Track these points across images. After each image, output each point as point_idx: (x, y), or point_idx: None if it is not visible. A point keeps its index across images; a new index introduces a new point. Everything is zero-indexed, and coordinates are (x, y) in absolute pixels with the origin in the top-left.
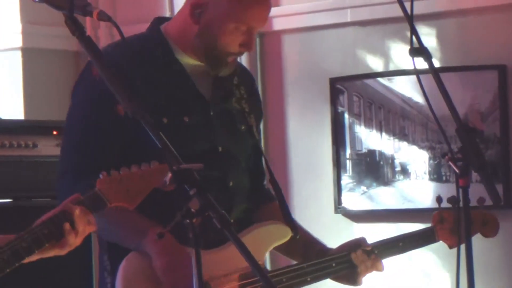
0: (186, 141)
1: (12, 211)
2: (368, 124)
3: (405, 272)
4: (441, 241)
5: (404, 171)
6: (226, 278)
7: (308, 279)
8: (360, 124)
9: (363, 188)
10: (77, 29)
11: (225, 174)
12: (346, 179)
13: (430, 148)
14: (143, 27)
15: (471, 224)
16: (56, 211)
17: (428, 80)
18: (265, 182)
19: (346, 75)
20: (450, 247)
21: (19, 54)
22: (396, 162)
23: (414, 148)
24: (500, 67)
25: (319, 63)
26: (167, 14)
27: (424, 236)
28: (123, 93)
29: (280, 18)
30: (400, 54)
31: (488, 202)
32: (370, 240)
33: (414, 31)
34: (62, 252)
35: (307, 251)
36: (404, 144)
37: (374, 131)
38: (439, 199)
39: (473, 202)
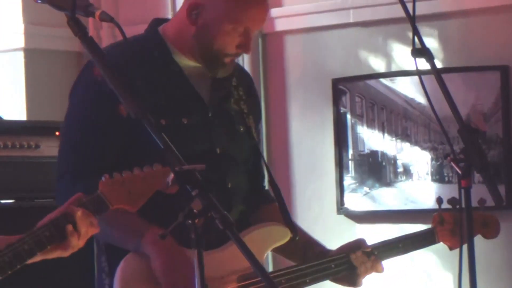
0: (184, 143)
1: (14, 211)
2: (370, 124)
3: (407, 273)
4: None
5: (407, 172)
6: (224, 279)
7: (307, 281)
8: (362, 125)
9: (366, 188)
10: (79, 30)
11: (223, 176)
12: (349, 180)
13: (432, 149)
14: (145, 28)
15: (471, 226)
16: (58, 213)
17: (431, 81)
18: (264, 184)
19: (348, 75)
20: (451, 248)
21: (21, 54)
22: (399, 163)
23: (417, 149)
24: (503, 67)
25: (321, 63)
26: (170, 15)
27: (424, 237)
28: (126, 93)
29: (283, 18)
30: (402, 55)
31: (490, 203)
32: (373, 240)
33: (416, 32)
34: (65, 254)
35: (306, 253)
36: (406, 145)
37: (377, 131)
38: (439, 200)
39: (474, 203)
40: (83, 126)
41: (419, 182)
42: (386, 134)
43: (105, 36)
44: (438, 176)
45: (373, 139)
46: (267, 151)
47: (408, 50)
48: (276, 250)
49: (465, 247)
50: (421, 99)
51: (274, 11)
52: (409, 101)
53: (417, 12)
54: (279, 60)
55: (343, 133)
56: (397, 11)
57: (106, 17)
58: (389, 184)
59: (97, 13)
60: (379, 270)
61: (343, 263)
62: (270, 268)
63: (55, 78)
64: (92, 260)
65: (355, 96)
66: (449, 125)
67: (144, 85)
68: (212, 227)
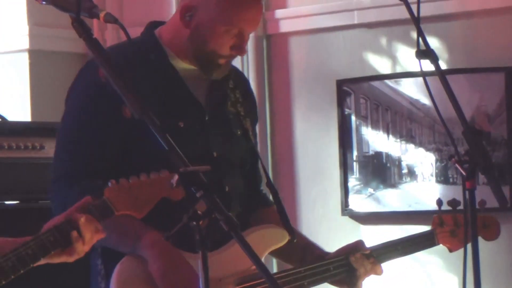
0: (181, 146)
1: (19, 213)
2: (375, 126)
3: (410, 275)
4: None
5: (411, 173)
6: (222, 281)
7: (305, 283)
8: (367, 126)
9: (370, 190)
10: (84, 31)
11: (221, 179)
12: (353, 181)
13: (437, 150)
14: None
15: (475, 227)
16: (63, 218)
17: (435, 82)
18: (261, 187)
19: (353, 77)
20: (450, 250)
21: (26, 56)
22: (403, 164)
23: (421, 150)
24: (507, 69)
25: (326, 65)
26: None
27: (424, 239)
28: (130, 95)
29: (287, 20)
30: (407, 56)
31: (494, 204)
32: (377, 242)
33: (421, 33)
34: (70, 259)
35: (305, 256)
36: (411, 146)
37: (381, 133)
38: (439, 202)
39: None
40: (83, 127)
41: (424, 184)
42: (390, 136)
43: (110, 38)
44: (443, 177)
45: (378, 140)
46: (271, 153)
47: (412, 51)
48: (274, 254)
49: (468, 248)
50: (425, 100)
51: (279, 13)
52: (414, 103)
53: (422, 14)
54: (284, 62)
55: (347, 134)
56: (402, 13)
57: (111, 19)
58: (393, 185)
59: (102, 14)
60: (378, 272)
61: (342, 266)
62: (275, 269)
63: (59, 79)
64: (87, 263)
65: (359, 98)
66: (453, 127)
67: (141, 88)
68: (211, 229)
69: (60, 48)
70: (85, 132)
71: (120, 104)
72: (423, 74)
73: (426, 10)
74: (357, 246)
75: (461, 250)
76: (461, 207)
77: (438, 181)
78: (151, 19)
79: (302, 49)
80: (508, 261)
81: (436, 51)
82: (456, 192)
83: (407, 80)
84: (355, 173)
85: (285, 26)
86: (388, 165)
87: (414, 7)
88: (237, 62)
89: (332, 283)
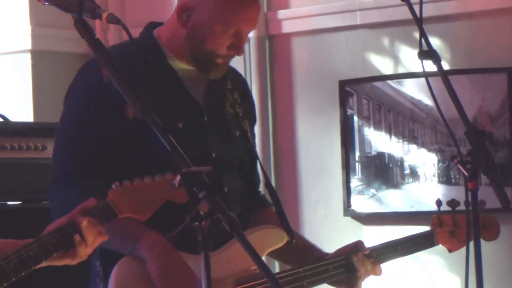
0: (180, 147)
1: (21, 213)
2: (377, 126)
3: (412, 276)
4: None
5: (413, 174)
6: (221, 282)
7: (305, 284)
8: (369, 127)
9: (372, 190)
10: (86, 31)
11: (220, 180)
12: (355, 182)
13: (439, 151)
14: None
15: (478, 228)
16: (65, 220)
17: (437, 82)
18: (259, 188)
19: (355, 77)
20: (450, 250)
21: (28, 56)
22: (405, 164)
23: (423, 150)
24: (510, 69)
25: (328, 65)
26: None
27: (423, 239)
28: (133, 95)
29: (290, 20)
30: (409, 57)
31: (497, 205)
32: (378, 242)
33: (423, 34)
34: (73, 262)
35: (303, 257)
36: (413, 146)
37: (383, 133)
38: (438, 202)
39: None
40: (83, 127)
41: (426, 184)
42: (393, 136)
43: (112, 38)
44: (445, 178)
45: (380, 141)
46: (273, 153)
47: (415, 52)
48: (273, 255)
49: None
50: (428, 101)
51: (281, 13)
52: (416, 103)
53: (424, 14)
54: (286, 62)
55: (350, 135)
56: (404, 13)
57: (113, 19)
58: (396, 186)
59: (104, 15)
60: (378, 272)
61: (342, 266)
62: (277, 269)
63: (62, 80)
64: (87, 264)
65: (362, 98)
66: (456, 127)
67: (140, 88)
68: (212, 230)
69: (63, 48)
70: (85, 131)
71: (122, 104)
72: (426, 75)
73: (429, 10)
74: (357, 247)
75: (462, 251)
76: (460, 207)
77: (440, 182)
78: (153, 20)
79: (304, 49)
80: (509, 261)
81: (439, 52)
82: (459, 193)
83: (409, 81)
84: (357, 174)
85: (287, 27)
86: (391, 165)
87: (416, 8)
88: (239, 63)
89: (331, 283)
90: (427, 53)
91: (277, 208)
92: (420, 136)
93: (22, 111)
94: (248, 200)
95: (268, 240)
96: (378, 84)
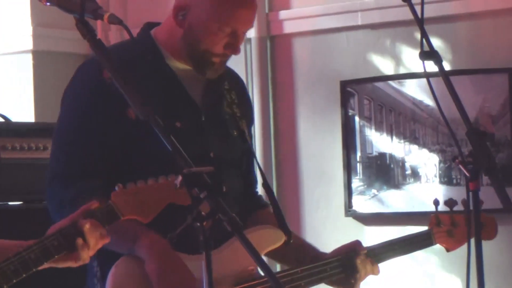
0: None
1: (22, 213)
2: (378, 127)
3: (411, 276)
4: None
5: (415, 174)
6: (220, 281)
7: (303, 284)
8: (370, 127)
9: (374, 191)
10: (88, 32)
11: (218, 180)
12: (357, 182)
13: (440, 151)
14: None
15: (479, 228)
16: (67, 222)
17: (439, 83)
18: (257, 189)
19: (356, 78)
20: (448, 250)
21: (29, 56)
22: (407, 165)
23: (425, 151)
24: (511, 70)
25: (329, 66)
26: None
27: (421, 239)
28: (135, 96)
29: (291, 21)
30: (410, 57)
31: (498, 205)
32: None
33: (424, 34)
34: (75, 265)
35: (301, 257)
36: (414, 147)
37: (385, 134)
38: (436, 202)
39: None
40: (82, 127)
41: (427, 185)
42: (394, 137)
43: (114, 39)
44: (446, 178)
45: (381, 141)
46: (275, 153)
47: (416, 52)
48: (270, 255)
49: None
50: (429, 101)
51: (283, 13)
52: (417, 104)
53: (426, 15)
54: (287, 62)
55: (351, 135)
56: (406, 14)
57: (115, 20)
58: (397, 186)
59: (106, 15)
60: (376, 272)
61: (339, 266)
62: (278, 269)
63: (63, 80)
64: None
65: (363, 98)
66: (457, 128)
67: (139, 88)
68: (213, 230)
69: (64, 49)
70: (83, 132)
71: (123, 105)
72: (427, 75)
73: (430, 11)
74: (355, 247)
75: (463, 251)
76: (458, 207)
77: (441, 182)
78: (154, 20)
79: (306, 50)
80: (510, 261)
81: (440, 52)
82: (460, 193)
83: (410, 81)
84: (358, 174)
85: (289, 27)
86: (392, 166)
87: (418, 8)
88: (240, 63)
89: (328, 283)
90: (429, 53)
91: (275, 208)
92: (421, 137)
93: (23, 111)
94: (245, 200)
95: (265, 240)
96: (379, 84)
